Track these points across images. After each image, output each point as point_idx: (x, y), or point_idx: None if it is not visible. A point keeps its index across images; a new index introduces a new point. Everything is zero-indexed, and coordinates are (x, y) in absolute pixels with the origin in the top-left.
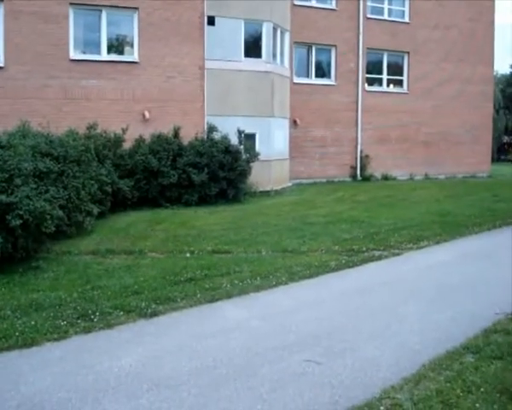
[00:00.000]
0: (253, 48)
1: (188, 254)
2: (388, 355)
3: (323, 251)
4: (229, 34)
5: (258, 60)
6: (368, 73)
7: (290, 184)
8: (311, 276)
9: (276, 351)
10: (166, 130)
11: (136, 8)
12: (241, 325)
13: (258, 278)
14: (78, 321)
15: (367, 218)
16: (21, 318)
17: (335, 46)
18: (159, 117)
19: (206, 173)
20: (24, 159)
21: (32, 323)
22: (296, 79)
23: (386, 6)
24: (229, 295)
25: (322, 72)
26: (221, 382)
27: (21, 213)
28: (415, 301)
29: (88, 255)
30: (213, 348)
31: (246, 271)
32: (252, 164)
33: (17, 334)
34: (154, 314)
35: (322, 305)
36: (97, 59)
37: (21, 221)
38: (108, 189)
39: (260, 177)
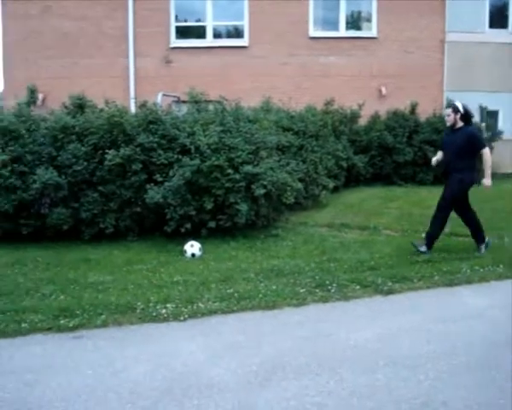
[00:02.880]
0: (497, 18)
1: (423, 235)
2: None
3: None
4: (472, 4)
5: (504, 30)
6: None
7: None
8: None
9: None
10: (402, 106)
11: None
12: (481, 314)
13: (501, 266)
14: (316, 290)
15: None
16: (263, 281)
17: None
18: (395, 93)
19: None
20: (269, 133)
21: (273, 287)
22: None
23: None
24: (468, 281)
25: None
26: (460, 370)
27: (265, 183)
28: None
29: (323, 228)
30: (451, 333)
31: (487, 257)
32: (493, 143)
33: (260, 296)
34: (390, 292)
35: None
36: (335, 36)
37: (265, 191)
38: (344, 164)
39: (502, 157)
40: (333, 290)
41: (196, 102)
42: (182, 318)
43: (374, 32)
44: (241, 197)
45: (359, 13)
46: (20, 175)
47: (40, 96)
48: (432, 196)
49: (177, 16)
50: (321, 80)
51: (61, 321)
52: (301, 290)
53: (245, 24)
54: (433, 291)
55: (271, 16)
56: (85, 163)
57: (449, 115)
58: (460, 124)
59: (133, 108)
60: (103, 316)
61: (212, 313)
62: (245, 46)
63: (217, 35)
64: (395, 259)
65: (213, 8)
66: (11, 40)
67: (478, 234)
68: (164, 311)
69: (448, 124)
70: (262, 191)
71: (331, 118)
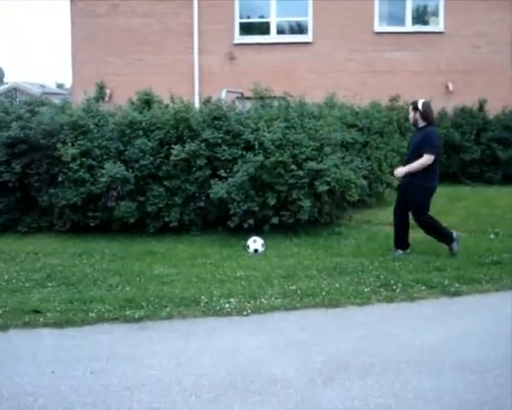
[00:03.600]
0: None
1: (492, 236)
2: None
3: None
4: None
5: None
6: None
7: None
8: None
9: None
10: (470, 102)
11: None
12: None
13: None
14: (381, 290)
15: None
16: (326, 279)
17: None
18: (462, 89)
19: None
20: (333, 129)
21: (337, 285)
22: None
23: None
24: None
25: None
26: None
27: (328, 180)
28: None
29: (387, 226)
30: None
31: None
32: None
33: (323, 294)
34: (457, 294)
35: None
36: (401, 31)
37: (328, 188)
38: None
39: None
40: (398, 290)
41: (261, 98)
42: (245, 313)
43: (441, 27)
44: (305, 194)
45: (425, 7)
46: (88, 169)
47: (107, 91)
48: (500, 195)
49: (240, 13)
50: (386, 76)
51: (127, 312)
52: (365, 289)
53: (309, 20)
54: (503, 294)
55: (335, 12)
56: (151, 158)
57: (409, 113)
58: (422, 123)
59: (197, 104)
60: (168, 308)
61: (274, 309)
62: (309, 42)
63: (280, 31)
64: (462, 260)
65: (277, 4)
66: (79, 37)
67: (398, 239)
68: (227, 305)
69: (411, 122)
70: (325, 188)
71: (396, 114)
